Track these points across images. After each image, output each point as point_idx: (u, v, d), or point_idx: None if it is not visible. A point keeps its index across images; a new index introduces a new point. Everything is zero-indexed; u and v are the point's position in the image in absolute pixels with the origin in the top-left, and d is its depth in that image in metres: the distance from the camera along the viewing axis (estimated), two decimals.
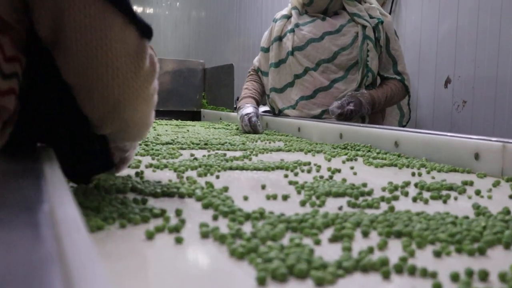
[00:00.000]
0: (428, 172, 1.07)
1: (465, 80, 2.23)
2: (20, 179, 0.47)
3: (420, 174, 1.04)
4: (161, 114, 2.93)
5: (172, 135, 1.70)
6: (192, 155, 1.22)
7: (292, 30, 2.05)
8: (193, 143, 1.45)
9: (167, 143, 1.45)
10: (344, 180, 0.92)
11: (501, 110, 2.07)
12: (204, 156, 1.21)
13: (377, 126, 1.59)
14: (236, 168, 1.05)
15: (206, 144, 1.45)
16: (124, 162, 0.83)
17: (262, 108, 2.44)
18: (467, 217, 0.65)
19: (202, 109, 3.09)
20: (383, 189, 0.86)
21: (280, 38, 2.10)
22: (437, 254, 0.51)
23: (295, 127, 1.89)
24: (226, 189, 0.81)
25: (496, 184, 0.94)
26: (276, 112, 2.14)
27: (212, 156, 1.21)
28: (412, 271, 0.46)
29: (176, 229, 0.57)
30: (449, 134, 1.23)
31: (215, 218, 0.63)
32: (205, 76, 3.14)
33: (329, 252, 0.51)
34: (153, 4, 8.06)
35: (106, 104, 0.62)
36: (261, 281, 0.42)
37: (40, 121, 0.68)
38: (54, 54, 0.61)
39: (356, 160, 1.25)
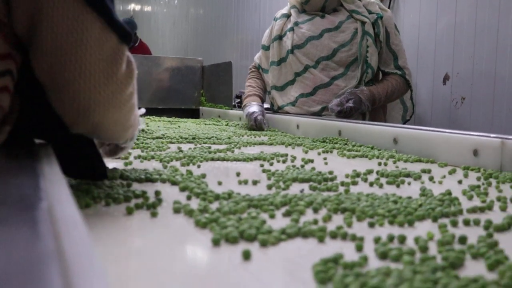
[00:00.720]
0: (394, 162, 1.16)
1: (463, 77, 2.24)
2: (18, 176, 0.47)
3: (386, 164, 1.13)
4: (160, 112, 2.94)
5: (163, 130, 1.79)
6: (179, 148, 1.31)
7: (292, 29, 2.08)
8: (181, 137, 1.54)
9: (157, 138, 1.54)
10: (313, 168, 1.01)
11: (499, 106, 2.08)
12: (189, 149, 1.31)
13: (376, 123, 1.60)
14: (218, 159, 1.14)
15: (194, 138, 1.54)
16: (122, 150, 0.86)
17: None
18: (409, 197, 0.74)
19: (200, 107, 3.12)
20: (346, 176, 0.95)
21: (280, 37, 2.13)
22: (371, 225, 0.61)
23: (293, 124, 1.91)
24: (203, 175, 0.90)
25: (452, 172, 1.03)
26: (275, 108, 2.18)
27: (197, 149, 1.30)
28: (344, 236, 0.55)
29: (153, 206, 0.66)
30: (448, 130, 1.23)
31: (188, 198, 0.73)
32: (203, 73, 3.16)
33: (279, 223, 0.60)
34: (151, 2, 8.14)
35: (75, 108, 0.61)
36: (215, 242, 0.51)
37: (38, 119, 0.69)
38: (30, 52, 0.60)
39: (331, 152, 1.34)
